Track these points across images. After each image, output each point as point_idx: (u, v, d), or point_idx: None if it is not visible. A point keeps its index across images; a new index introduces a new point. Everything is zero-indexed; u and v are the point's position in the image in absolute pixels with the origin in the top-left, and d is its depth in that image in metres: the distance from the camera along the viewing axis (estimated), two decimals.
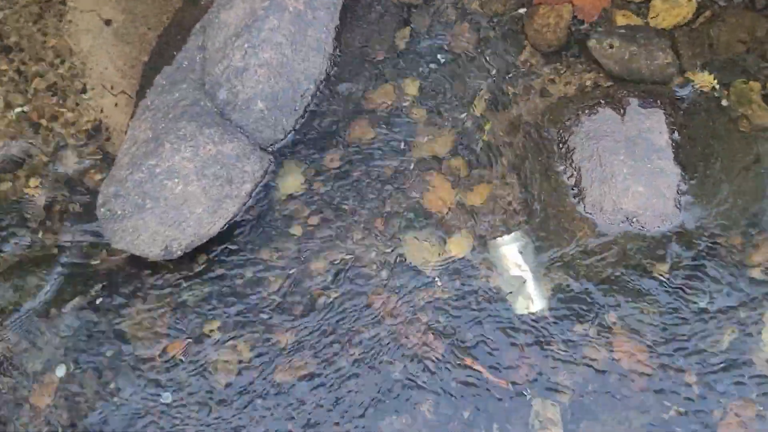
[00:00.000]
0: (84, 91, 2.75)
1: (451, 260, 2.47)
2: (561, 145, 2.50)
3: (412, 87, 2.73)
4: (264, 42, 2.55)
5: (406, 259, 2.48)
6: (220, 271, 2.51)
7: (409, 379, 2.34)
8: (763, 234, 2.41)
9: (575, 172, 2.44)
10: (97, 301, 2.47)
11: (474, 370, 2.33)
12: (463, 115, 2.67)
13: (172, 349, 2.42)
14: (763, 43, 2.67)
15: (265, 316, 2.44)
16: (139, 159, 2.39)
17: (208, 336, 2.43)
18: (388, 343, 2.38)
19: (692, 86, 2.60)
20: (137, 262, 2.50)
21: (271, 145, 2.58)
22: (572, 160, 2.45)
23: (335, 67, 2.72)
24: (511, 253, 2.43)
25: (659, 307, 2.34)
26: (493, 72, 2.73)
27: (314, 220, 2.56)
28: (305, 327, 2.42)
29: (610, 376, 2.30)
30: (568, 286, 2.40)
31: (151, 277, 2.50)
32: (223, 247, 2.52)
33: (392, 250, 2.50)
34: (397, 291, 2.44)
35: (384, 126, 2.68)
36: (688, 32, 2.71)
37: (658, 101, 2.51)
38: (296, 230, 2.55)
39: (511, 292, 2.41)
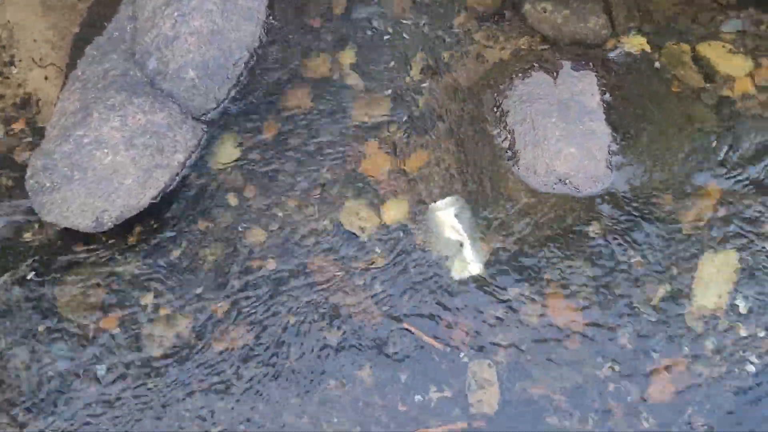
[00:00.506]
0: (12, 63, 2.69)
1: (388, 226, 2.47)
2: (496, 109, 2.50)
3: (348, 54, 2.71)
4: (194, 10, 2.52)
5: (343, 227, 2.48)
6: (154, 243, 2.47)
7: (347, 345, 2.34)
8: (694, 193, 2.44)
9: (509, 136, 2.45)
10: (29, 276, 2.43)
11: (411, 333, 2.34)
12: (400, 82, 2.66)
13: (106, 323, 2.39)
14: (693, 5, 2.69)
15: (200, 287, 2.42)
16: (68, 130, 2.35)
17: (143, 308, 2.40)
18: (325, 311, 2.37)
19: (624, 49, 2.62)
20: (70, 235, 2.46)
21: (204, 114, 2.54)
22: (506, 124, 2.46)
23: (269, 35, 2.69)
24: (448, 217, 2.44)
25: (593, 266, 2.37)
26: (430, 38, 2.72)
27: (250, 190, 2.54)
28: (241, 297, 2.40)
29: (545, 335, 2.32)
30: (504, 248, 2.41)
31: (84, 250, 2.46)
32: (157, 218, 2.49)
33: (329, 218, 2.48)
34: (334, 258, 2.44)
35: (320, 94, 2.66)
36: None
37: (591, 64, 2.53)
38: (232, 201, 2.52)
39: (448, 256, 2.41)
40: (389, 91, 2.64)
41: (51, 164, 2.33)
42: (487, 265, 2.40)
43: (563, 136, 2.38)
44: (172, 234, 2.48)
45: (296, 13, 2.75)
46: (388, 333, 2.34)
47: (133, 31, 2.61)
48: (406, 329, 2.34)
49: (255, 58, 2.64)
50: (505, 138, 2.46)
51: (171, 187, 2.47)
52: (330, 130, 2.60)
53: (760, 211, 2.41)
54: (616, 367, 2.26)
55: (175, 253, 2.47)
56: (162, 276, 2.43)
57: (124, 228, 2.45)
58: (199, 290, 2.41)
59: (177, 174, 2.45)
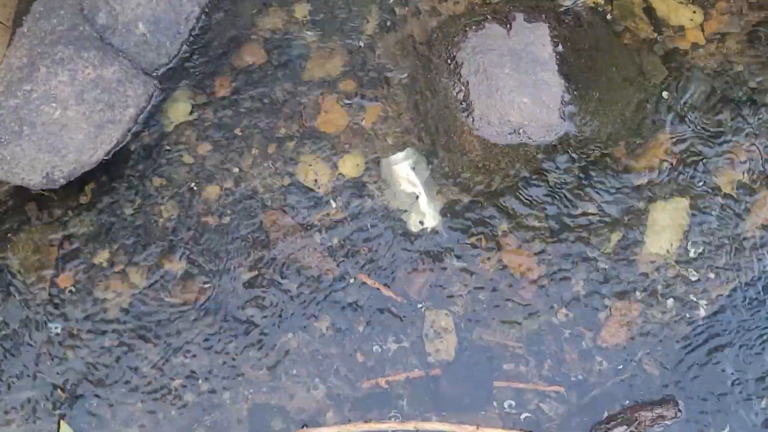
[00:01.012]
0: None
1: (344, 180, 2.47)
2: (450, 62, 2.51)
3: (302, 9, 2.69)
4: None
5: (299, 181, 2.47)
6: (108, 201, 2.45)
7: (305, 298, 2.34)
8: (645, 143, 2.48)
9: (463, 87, 2.46)
10: None
11: (369, 285, 2.35)
12: (355, 37, 2.64)
13: (61, 281, 2.37)
14: None
15: (156, 244, 2.40)
16: (14, 85, 2.30)
17: (98, 266, 2.38)
18: (282, 264, 2.37)
19: (577, 1, 2.63)
20: (20, 193, 2.42)
21: (156, 69, 2.51)
22: (460, 75, 2.46)
23: None
24: (403, 170, 2.44)
25: (547, 215, 2.40)
26: None
27: (205, 146, 2.52)
28: (198, 252, 2.39)
29: (500, 284, 2.34)
30: (459, 200, 2.43)
31: (36, 209, 2.43)
32: (111, 175, 2.46)
33: (285, 173, 2.48)
34: (290, 213, 2.43)
35: (274, 50, 2.64)
36: None
37: (543, 15, 2.54)
38: (187, 158, 2.50)
39: (404, 209, 2.42)
40: (344, 46, 2.63)
41: None
42: (443, 216, 2.41)
43: (516, 87, 2.39)
44: (126, 191, 2.46)
45: None
46: (345, 285, 2.35)
47: None
48: (364, 281, 2.35)
49: (207, 13, 2.60)
50: (460, 90, 2.46)
51: (123, 144, 2.44)
52: (284, 85, 2.59)
53: (708, 160, 2.45)
54: (570, 313, 2.30)
55: (129, 210, 2.44)
56: (117, 233, 2.41)
57: (76, 186, 2.42)
58: (154, 247, 2.40)
59: (129, 130, 2.42)
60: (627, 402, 2.23)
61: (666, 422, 2.19)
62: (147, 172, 2.48)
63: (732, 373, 2.24)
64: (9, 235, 2.40)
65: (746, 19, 2.63)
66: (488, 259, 2.38)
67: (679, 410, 2.20)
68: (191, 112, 2.55)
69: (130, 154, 2.49)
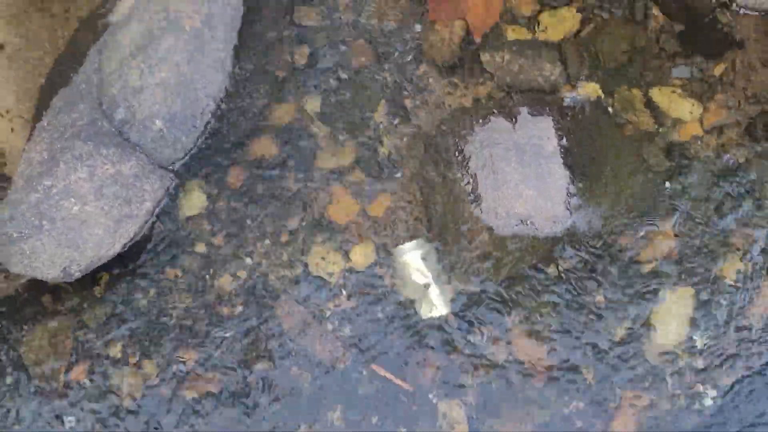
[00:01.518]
0: None
1: (355, 270, 2.52)
2: (457, 155, 2.58)
3: (313, 103, 2.77)
4: (161, 61, 2.56)
5: (311, 271, 2.51)
6: (123, 292, 2.48)
7: (318, 388, 2.36)
8: (650, 232, 2.53)
9: (471, 180, 2.53)
10: None
11: (381, 376, 2.37)
12: (364, 129, 2.72)
13: (74, 373, 2.39)
14: (644, 53, 2.82)
15: (170, 335, 2.43)
16: (35, 180, 2.37)
17: (112, 357, 2.40)
18: (295, 354, 2.40)
19: (579, 95, 2.72)
20: (36, 285, 2.46)
21: (172, 163, 2.58)
22: (468, 168, 2.54)
23: (235, 85, 2.74)
24: (414, 260, 2.49)
25: (556, 305, 2.43)
26: (392, 86, 2.80)
27: (218, 237, 2.57)
28: (211, 343, 2.42)
29: (511, 374, 2.37)
30: (469, 289, 2.47)
31: (51, 301, 2.46)
32: (125, 266, 2.51)
33: (297, 263, 2.52)
34: (303, 303, 2.47)
35: (286, 142, 2.71)
36: (574, 44, 2.84)
37: (547, 109, 2.63)
38: (200, 248, 2.55)
39: (415, 298, 2.46)
40: (353, 138, 2.70)
41: (18, 214, 2.34)
42: (454, 306, 2.45)
43: (522, 179, 2.46)
44: (140, 283, 2.49)
45: (261, 63, 2.81)
46: (358, 375, 2.37)
47: (100, 83, 2.64)
48: (376, 371, 2.37)
49: (221, 108, 2.69)
50: (468, 182, 2.53)
51: (139, 236, 2.48)
52: (296, 176, 2.65)
53: (711, 250, 2.50)
54: (581, 404, 2.32)
55: (143, 302, 2.48)
56: (130, 325, 2.43)
57: (91, 277, 2.45)
58: (168, 339, 2.42)
59: (145, 223, 2.47)
60: None
61: None
62: (161, 263, 2.52)
63: None
64: (24, 326, 2.43)
65: (744, 112, 2.72)
66: (499, 349, 2.41)
67: None
68: (205, 204, 2.61)
69: (144, 246, 2.53)
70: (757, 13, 2.83)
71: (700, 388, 2.34)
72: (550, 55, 2.79)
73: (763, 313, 2.43)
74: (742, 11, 2.84)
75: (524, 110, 2.62)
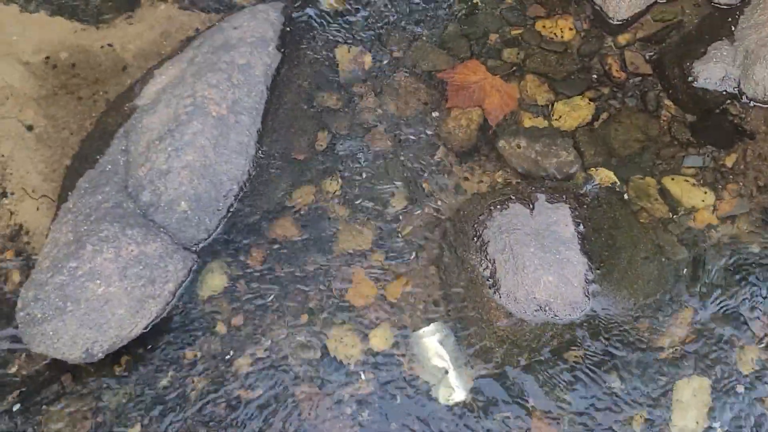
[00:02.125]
0: (4, 195, 2.75)
1: (374, 353, 2.53)
2: (476, 239, 2.62)
3: (333, 186, 2.83)
4: (187, 145, 2.63)
5: (330, 354, 2.53)
6: (142, 372, 2.49)
7: None
8: (667, 320, 2.55)
9: (490, 264, 2.56)
10: (14, 408, 2.41)
11: None
12: (383, 212, 2.77)
13: None
14: (656, 142, 2.89)
15: (188, 417, 2.42)
16: (60, 261, 2.40)
17: None
18: None
19: (594, 182, 2.78)
20: (57, 365, 2.47)
21: (195, 244, 2.62)
22: (486, 253, 2.57)
23: (258, 168, 2.80)
24: (432, 344, 2.50)
25: (574, 391, 2.44)
26: (411, 171, 2.86)
27: (238, 318, 2.59)
28: (230, 426, 2.41)
29: None
30: (488, 374, 2.48)
31: (72, 381, 2.47)
32: (146, 347, 2.52)
33: (317, 345, 2.53)
34: (321, 386, 2.47)
35: (307, 224, 2.76)
36: (588, 132, 2.91)
37: (564, 196, 2.68)
38: (220, 328, 2.57)
39: (433, 382, 2.46)
40: (373, 221, 2.75)
41: (43, 295, 2.36)
42: (473, 391, 2.45)
43: (541, 265, 2.50)
44: (160, 363, 2.50)
45: (283, 147, 2.88)
46: None
47: (126, 165, 2.71)
48: None
49: (244, 190, 2.75)
50: (486, 267, 2.57)
51: (162, 317, 2.50)
52: (315, 258, 2.69)
53: (728, 337, 2.52)
54: None
55: (163, 382, 2.48)
56: (149, 406, 2.43)
57: (112, 357, 2.46)
58: (186, 420, 2.42)
59: (167, 303, 2.50)
60: None
61: None
62: (181, 343, 2.54)
63: None
64: (44, 407, 2.43)
65: (756, 200, 2.77)
66: None
67: None
68: (226, 284, 2.64)
69: (166, 326, 2.55)
70: (766, 106, 2.91)
71: None
72: (565, 142, 2.86)
73: None
74: (752, 103, 2.92)
75: (542, 197, 2.68)
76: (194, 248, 2.62)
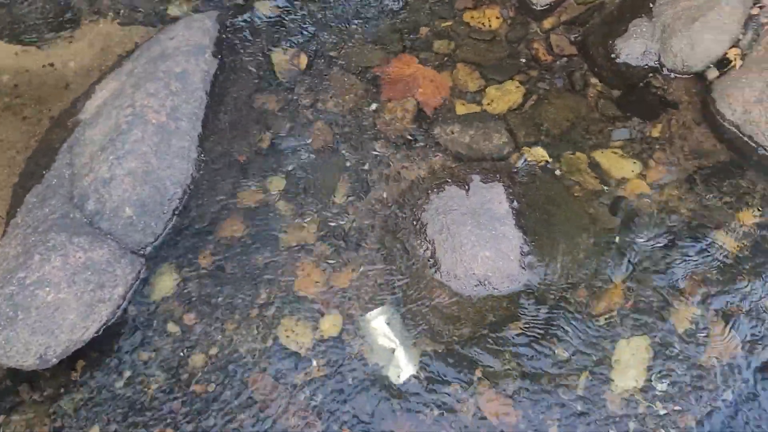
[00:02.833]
0: None
1: (324, 340, 2.60)
2: (416, 223, 2.71)
3: (277, 183, 2.91)
4: (128, 153, 2.70)
5: (281, 344, 2.60)
6: (98, 375, 2.55)
7: None
8: (603, 286, 2.65)
9: (430, 245, 2.65)
10: None
11: None
12: (327, 204, 2.85)
13: None
14: (585, 119, 3.01)
15: (146, 416, 2.48)
16: (9, 273, 2.46)
17: None
18: (269, 426, 2.46)
19: (527, 160, 2.89)
20: (13, 374, 2.51)
21: (143, 248, 2.69)
22: (426, 235, 2.67)
23: (201, 170, 2.88)
24: (380, 326, 2.59)
25: (518, 360, 2.53)
26: (351, 163, 2.95)
27: (190, 316, 2.66)
28: (187, 421, 2.47)
29: (479, 428, 2.43)
30: (434, 350, 2.56)
31: (29, 389, 2.51)
32: (101, 351, 2.57)
33: (268, 337, 2.60)
34: (275, 375, 2.54)
35: (253, 222, 2.84)
36: (519, 114, 3.03)
37: (498, 176, 2.78)
38: (173, 328, 2.63)
39: (383, 363, 2.54)
40: (317, 214, 2.83)
41: None
42: (421, 367, 2.53)
43: (478, 242, 2.59)
44: (116, 365, 2.56)
45: (226, 149, 2.95)
46: None
47: (72, 177, 2.77)
48: None
49: (188, 193, 2.82)
50: (426, 248, 2.66)
51: (113, 320, 2.57)
52: (263, 254, 2.76)
53: (662, 297, 2.62)
54: None
55: (119, 384, 2.54)
56: (107, 408, 2.49)
57: (67, 362, 2.52)
58: (144, 419, 2.48)
59: (118, 307, 2.56)
60: None
61: None
62: (135, 345, 2.60)
63: None
64: (2, 416, 2.47)
65: (683, 167, 2.89)
66: (466, 406, 2.48)
67: None
68: (176, 285, 2.71)
69: (119, 329, 2.61)
70: (686, 76, 3.04)
71: (662, 431, 2.42)
72: (498, 125, 2.97)
73: (716, 357, 2.53)
74: (672, 75, 3.05)
75: (476, 177, 2.77)
76: (142, 252, 2.69)
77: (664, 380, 2.50)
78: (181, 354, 2.58)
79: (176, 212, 2.79)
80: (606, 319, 2.61)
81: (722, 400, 2.45)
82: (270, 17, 3.29)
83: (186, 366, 2.57)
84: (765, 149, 2.82)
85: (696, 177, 2.87)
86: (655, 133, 2.96)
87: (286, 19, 3.29)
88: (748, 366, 2.50)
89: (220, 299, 2.68)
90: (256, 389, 2.53)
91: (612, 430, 2.43)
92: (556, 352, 2.55)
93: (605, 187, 2.85)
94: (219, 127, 3.00)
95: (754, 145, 2.85)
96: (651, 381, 2.50)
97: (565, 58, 3.17)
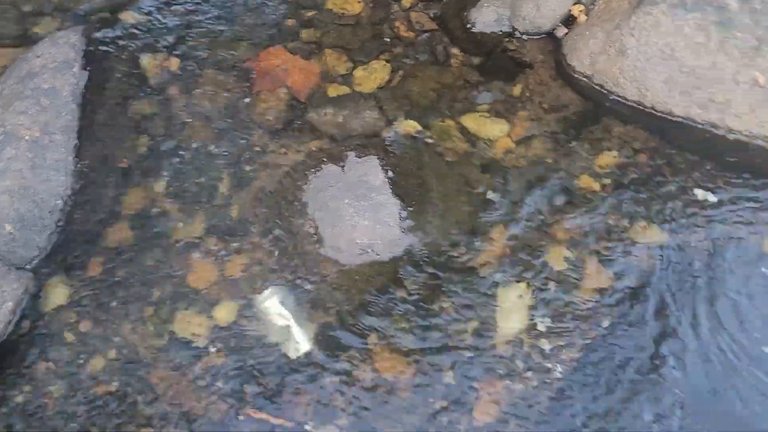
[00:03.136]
0: None
1: (220, 327, 2.67)
2: (297, 204, 2.81)
3: (160, 185, 2.96)
4: (3, 171, 2.72)
5: (178, 337, 2.65)
6: None
7: None
8: (480, 240, 2.80)
9: (312, 223, 2.75)
10: None
11: (258, 418, 2.50)
12: (211, 200, 2.92)
13: None
14: (450, 88, 3.16)
15: (50, 425, 2.50)
16: None
17: None
18: (174, 417, 2.51)
19: (398, 132, 3.02)
20: None
21: (28, 262, 2.70)
22: (308, 213, 2.76)
23: (81, 180, 2.91)
24: (273, 305, 2.67)
25: (409, 318, 2.65)
26: (232, 156, 3.02)
27: (86, 324, 2.69)
28: (92, 424, 2.50)
29: (378, 390, 2.54)
30: (328, 322, 2.66)
31: None
32: None
33: (164, 332, 2.66)
34: (174, 368, 2.59)
35: (140, 225, 2.88)
36: (388, 90, 3.16)
37: (372, 150, 2.90)
38: (69, 337, 2.66)
39: (279, 341, 2.62)
40: (203, 208, 2.90)
41: None
42: (317, 341, 2.63)
43: (356, 212, 2.71)
44: (14, 380, 2.57)
45: (105, 157, 2.99)
46: (236, 422, 2.50)
47: None
48: (253, 416, 2.51)
49: (71, 204, 2.84)
50: (310, 225, 2.76)
51: (6, 336, 2.57)
52: (153, 254, 2.81)
53: (537, 243, 2.78)
54: (445, 402, 2.51)
55: (19, 398, 2.55)
56: (8, 424, 2.49)
57: None
58: (49, 429, 2.49)
59: (9, 322, 2.57)
60: None
61: None
62: (32, 358, 2.61)
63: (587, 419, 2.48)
64: None
65: (544, 121, 3.07)
66: (363, 370, 2.59)
67: None
68: (68, 295, 2.73)
69: (14, 344, 2.62)
70: (538, 37, 3.22)
71: (549, 365, 2.57)
72: (368, 103, 3.09)
73: (591, 292, 2.70)
74: (525, 37, 3.23)
75: (351, 154, 2.89)
76: (28, 266, 2.71)
77: (545, 319, 2.65)
78: (80, 360, 2.60)
79: (59, 224, 2.81)
80: (487, 270, 2.75)
81: (601, 327, 2.62)
82: (136, 25, 3.35)
83: (86, 371, 2.60)
84: (616, 95, 3.02)
85: (557, 129, 3.05)
86: (516, 93, 3.13)
87: (153, 25, 3.34)
88: (620, 292, 2.67)
89: (114, 303, 2.72)
90: (157, 384, 2.58)
91: (500, 370, 2.57)
92: (444, 306, 2.68)
93: (474, 150, 3.00)
94: (96, 136, 3.04)
95: (605, 92, 3.04)
96: (533, 321, 2.65)
97: (426, 33, 3.32)
